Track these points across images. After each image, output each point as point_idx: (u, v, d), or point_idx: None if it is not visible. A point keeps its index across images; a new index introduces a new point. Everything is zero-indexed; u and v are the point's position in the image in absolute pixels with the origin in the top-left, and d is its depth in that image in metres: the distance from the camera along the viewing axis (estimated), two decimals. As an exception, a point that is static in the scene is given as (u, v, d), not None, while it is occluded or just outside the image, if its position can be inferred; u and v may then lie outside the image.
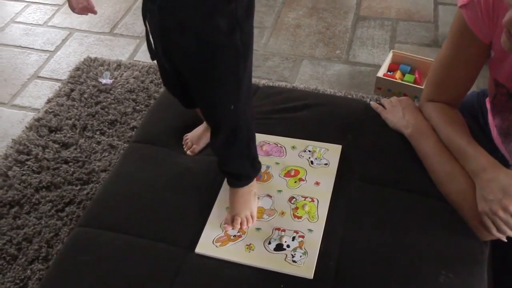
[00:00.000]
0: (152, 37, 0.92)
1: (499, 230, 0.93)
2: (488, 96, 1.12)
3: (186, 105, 1.14)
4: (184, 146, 1.21)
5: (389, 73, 2.01)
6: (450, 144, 1.05)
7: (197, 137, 1.20)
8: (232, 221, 1.01)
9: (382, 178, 1.09)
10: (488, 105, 1.17)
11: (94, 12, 1.07)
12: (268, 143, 1.18)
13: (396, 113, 1.18)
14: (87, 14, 1.08)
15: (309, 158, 1.14)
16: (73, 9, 1.05)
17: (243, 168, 1.02)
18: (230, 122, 0.94)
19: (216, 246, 0.99)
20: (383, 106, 1.25)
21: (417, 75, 1.98)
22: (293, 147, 1.16)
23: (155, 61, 1.02)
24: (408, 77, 1.98)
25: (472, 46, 1.01)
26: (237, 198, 1.03)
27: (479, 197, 0.95)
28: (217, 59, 0.85)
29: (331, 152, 1.14)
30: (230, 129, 0.94)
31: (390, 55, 2.06)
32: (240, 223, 1.01)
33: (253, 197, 1.04)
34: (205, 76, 0.88)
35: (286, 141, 1.18)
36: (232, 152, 0.99)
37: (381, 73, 1.98)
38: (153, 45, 0.94)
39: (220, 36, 0.82)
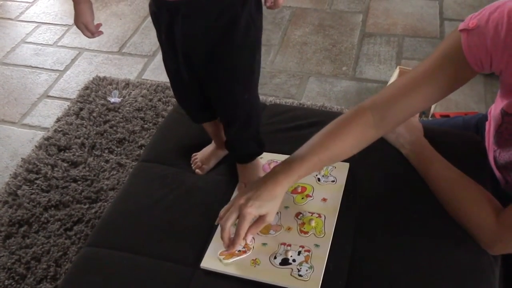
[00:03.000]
0: (170, 49, 0.98)
1: None
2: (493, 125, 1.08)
3: (197, 118, 1.19)
4: (192, 165, 1.22)
5: (396, 89, 2.01)
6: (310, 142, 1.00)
7: (207, 157, 1.21)
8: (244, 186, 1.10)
9: (390, 195, 1.09)
10: (487, 128, 1.17)
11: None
12: (276, 162, 1.18)
13: (394, 131, 1.17)
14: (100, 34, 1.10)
15: (316, 175, 1.14)
16: (92, 33, 1.06)
17: (252, 148, 1.13)
18: (244, 110, 1.03)
19: (221, 261, 0.99)
20: None
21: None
22: (301, 165, 1.16)
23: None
24: (415, 93, 1.98)
25: (457, 69, 0.93)
26: (246, 169, 1.13)
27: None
28: (237, 55, 0.93)
29: (339, 170, 1.14)
30: (244, 116, 1.04)
31: (397, 71, 2.07)
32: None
33: (259, 166, 1.15)
34: (224, 71, 0.96)
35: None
36: (245, 136, 1.10)
37: (388, 89, 1.99)
38: (168, 59, 1.02)
39: (240, 34, 0.91)
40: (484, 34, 0.88)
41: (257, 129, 1.11)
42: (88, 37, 1.07)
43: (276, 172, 0.95)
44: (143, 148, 1.84)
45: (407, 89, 0.96)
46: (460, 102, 2.04)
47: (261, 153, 1.16)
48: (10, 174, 1.81)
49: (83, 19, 1.02)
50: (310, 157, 0.95)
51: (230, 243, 0.95)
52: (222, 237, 0.95)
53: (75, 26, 1.06)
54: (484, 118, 1.24)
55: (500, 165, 1.04)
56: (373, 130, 0.98)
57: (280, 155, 1.19)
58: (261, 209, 0.92)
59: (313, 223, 1.03)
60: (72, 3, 1.02)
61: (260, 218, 0.94)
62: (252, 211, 0.91)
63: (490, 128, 1.14)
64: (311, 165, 0.95)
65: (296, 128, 1.25)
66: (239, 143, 1.12)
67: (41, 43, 2.56)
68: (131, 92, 2.13)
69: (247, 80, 0.99)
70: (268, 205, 0.93)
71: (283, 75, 2.24)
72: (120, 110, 2.04)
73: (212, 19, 0.89)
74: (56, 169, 1.80)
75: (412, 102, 0.96)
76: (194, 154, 1.23)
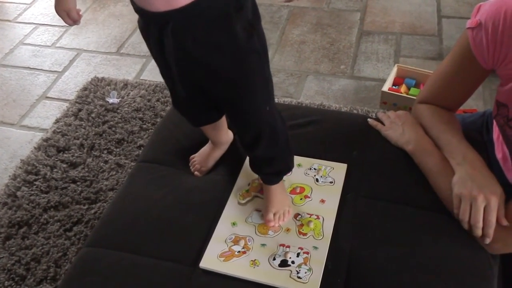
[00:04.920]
0: (164, 66, 0.92)
1: (464, 214, 0.96)
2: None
3: (197, 123, 1.15)
4: (191, 168, 1.21)
5: (394, 87, 2.02)
6: (440, 140, 1.08)
7: (204, 158, 1.20)
8: (273, 216, 1.04)
9: (388, 195, 1.09)
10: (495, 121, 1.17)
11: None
12: None
13: (396, 130, 1.18)
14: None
15: (315, 176, 1.14)
16: (74, 21, 0.99)
17: (285, 163, 1.06)
18: (268, 123, 0.96)
19: (220, 261, 0.99)
20: (381, 122, 1.24)
21: (422, 89, 1.98)
22: (299, 165, 1.17)
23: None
24: (414, 90, 1.98)
25: (471, 68, 1.01)
26: (275, 194, 1.06)
27: (460, 181, 0.98)
28: (244, 66, 0.86)
29: (337, 171, 1.14)
30: (269, 130, 0.96)
31: (395, 69, 2.07)
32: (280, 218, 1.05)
33: (285, 191, 1.09)
34: (237, 86, 0.89)
35: (291, 159, 1.18)
36: (276, 151, 1.02)
37: (386, 87, 1.99)
38: (163, 75, 0.95)
39: (242, 43, 0.83)
40: (485, 31, 0.93)
41: (287, 139, 1.02)
42: (69, 25, 1.00)
43: (470, 161, 1.00)
44: (142, 148, 1.84)
45: (437, 89, 1.12)
46: (459, 100, 2.04)
47: (292, 168, 1.09)
48: (9, 176, 1.81)
49: (65, 6, 0.95)
50: (466, 148, 1.04)
51: (484, 236, 0.96)
52: (476, 235, 0.96)
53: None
54: (489, 113, 1.25)
55: None
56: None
57: None
58: (497, 191, 0.96)
59: (311, 225, 1.04)
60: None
61: (501, 200, 0.95)
62: (494, 199, 0.94)
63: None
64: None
65: (294, 127, 1.25)
66: (271, 159, 1.02)
67: (39, 45, 2.56)
68: (129, 93, 2.14)
69: (265, 90, 0.92)
70: (497, 186, 0.97)
71: (282, 74, 2.24)
72: (118, 111, 2.04)
73: (204, 30, 0.81)
74: (55, 170, 1.80)
75: (447, 99, 1.12)
76: (192, 156, 1.23)
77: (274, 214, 1.04)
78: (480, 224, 0.95)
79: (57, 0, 0.96)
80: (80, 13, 0.99)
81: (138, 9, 0.85)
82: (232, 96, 0.92)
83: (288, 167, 1.08)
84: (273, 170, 1.05)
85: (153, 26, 0.84)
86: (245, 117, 0.96)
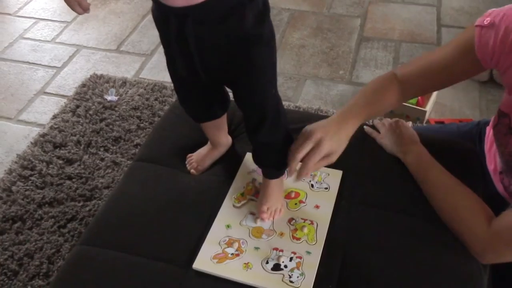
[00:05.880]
0: (182, 54, 0.96)
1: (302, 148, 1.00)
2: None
3: (200, 118, 1.17)
4: (188, 166, 1.22)
5: (391, 94, 2.03)
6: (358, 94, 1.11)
7: (202, 157, 1.21)
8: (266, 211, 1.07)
9: (382, 202, 1.10)
10: (488, 132, 1.18)
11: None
12: None
13: (391, 138, 1.19)
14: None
15: (310, 181, 1.15)
16: (85, 9, 1.01)
17: (286, 156, 1.07)
18: (273, 106, 1.00)
19: (214, 263, 1.00)
20: (377, 130, 1.25)
21: (419, 97, 1.99)
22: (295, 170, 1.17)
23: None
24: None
25: (469, 63, 1.00)
26: (272, 190, 1.08)
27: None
28: (257, 51, 0.92)
29: (332, 177, 1.15)
30: (274, 112, 1.01)
31: (393, 76, 2.07)
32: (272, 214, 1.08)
33: (282, 190, 1.11)
34: (250, 70, 0.94)
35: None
36: (277, 136, 1.05)
37: (383, 94, 1.99)
38: (180, 66, 0.98)
39: (254, 30, 0.90)
40: (496, 32, 0.92)
41: (287, 126, 1.07)
42: (79, 13, 1.02)
43: (344, 116, 1.03)
44: (138, 147, 1.84)
45: (424, 72, 1.09)
46: (455, 109, 2.06)
47: None
48: (5, 170, 1.81)
49: None
50: (364, 109, 1.06)
51: (298, 174, 1.00)
52: (289, 167, 1.00)
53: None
54: (484, 123, 1.26)
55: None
56: (398, 98, 1.12)
57: None
58: (334, 146, 0.99)
59: (305, 230, 1.04)
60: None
61: (325, 157, 0.99)
62: (329, 146, 0.98)
63: (490, 133, 1.16)
64: (365, 116, 1.07)
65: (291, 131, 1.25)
66: (271, 146, 1.06)
67: (39, 39, 2.56)
68: (128, 91, 2.14)
69: (273, 74, 0.99)
70: (341, 144, 1.01)
71: (280, 78, 2.25)
72: (116, 109, 2.04)
73: (221, 19, 0.88)
74: (51, 166, 1.80)
75: (425, 85, 1.11)
76: (189, 155, 1.24)
77: (268, 209, 1.07)
78: (298, 156, 0.99)
79: None
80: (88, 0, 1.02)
81: (155, 1, 0.90)
82: (244, 79, 0.97)
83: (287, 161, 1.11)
84: (273, 160, 1.07)
85: (173, 17, 0.89)
86: (254, 99, 1.00)
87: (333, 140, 0.99)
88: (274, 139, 1.05)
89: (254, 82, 0.97)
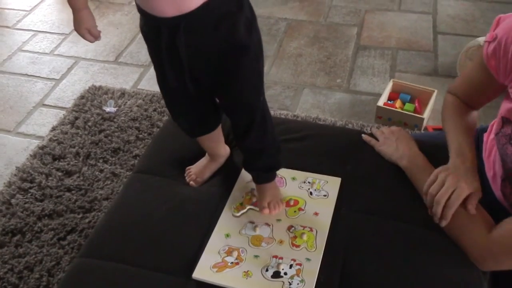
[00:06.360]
0: (172, 66, 0.96)
1: (434, 188, 1.01)
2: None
3: (194, 133, 1.18)
4: (187, 178, 1.22)
5: (389, 102, 2.04)
6: (449, 134, 1.11)
7: (201, 170, 1.22)
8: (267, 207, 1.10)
9: (381, 210, 1.10)
10: (485, 139, 1.19)
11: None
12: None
13: (390, 145, 1.19)
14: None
15: (309, 189, 1.15)
16: (95, 37, 1.05)
17: (274, 158, 1.11)
18: (260, 113, 1.02)
19: (213, 272, 1.00)
20: (375, 137, 1.26)
21: (417, 104, 2.00)
22: (293, 178, 1.18)
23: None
24: (408, 106, 2.00)
25: (488, 78, 1.03)
26: (267, 190, 1.10)
27: (445, 167, 1.04)
28: (245, 59, 0.94)
29: (331, 184, 1.16)
30: (260, 118, 1.03)
31: (390, 84, 2.09)
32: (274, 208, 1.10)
33: (277, 188, 1.13)
34: (236, 78, 0.96)
35: (286, 173, 1.19)
36: (265, 141, 1.07)
37: (381, 102, 2.01)
38: (170, 76, 0.99)
39: (243, 38, 0.92)
40: (497, 45, 0.95)
41: (273, 133, 1.09)
42: (91, 42, 1.06)
43: (464, 156, 1.04)
44: (137, 158, 1.85)
45: (464, 87, 1.15)
46: (453, 116, 2.06)
47: (281, 166, 1.13)
48: (4, 183, 1.81)
49: (87, 25, 1.01)
50: (467, 146, 1.07)
51: (441, 217, 1.00)
52: (435, 211, 1.00)
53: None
54: (481, 129, 1.26)
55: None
56: (475, 115, 1.17)
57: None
58: (473, 185, 1.00)
59: (304, 237, 1.05)
60: (70, 11, 1.02)
61: (473, 195, 1.00)
62: (466, 187, 0.98)
63: (488, 139, 1.16)
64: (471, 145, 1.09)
65: (289, 141, 1.26)
66: (259, 150, 1.09)
67: (38, 52, 2.57)
68: (126, 102, 2.14)
69: (259, 82, 1.01)
70: (476, 183, 1.01)
71: (278, 87, 2.26)
72: (115, 120, 2.05)
73: (212, 27, 0.90)
74: (50, 178, 1.80)
75: (480, 98, 1.14)
76: (188, 167, 1.24)
77: (268, 204, 1.09)
78: (443, 202, 0.98)
79: (78, 21, 1.01)
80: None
81: (145, 13, 0.92)
82: (232, 86, 0.98)
83: (277, 163, 1.12)
84: (263, 165, 1.09)
85: (164, 28, 0.90)
86: (242, 106, 1.02)
87: (467, 180, 1.00)
88: (261, 144, 1.07)
89: (242, 88, 0.99)
